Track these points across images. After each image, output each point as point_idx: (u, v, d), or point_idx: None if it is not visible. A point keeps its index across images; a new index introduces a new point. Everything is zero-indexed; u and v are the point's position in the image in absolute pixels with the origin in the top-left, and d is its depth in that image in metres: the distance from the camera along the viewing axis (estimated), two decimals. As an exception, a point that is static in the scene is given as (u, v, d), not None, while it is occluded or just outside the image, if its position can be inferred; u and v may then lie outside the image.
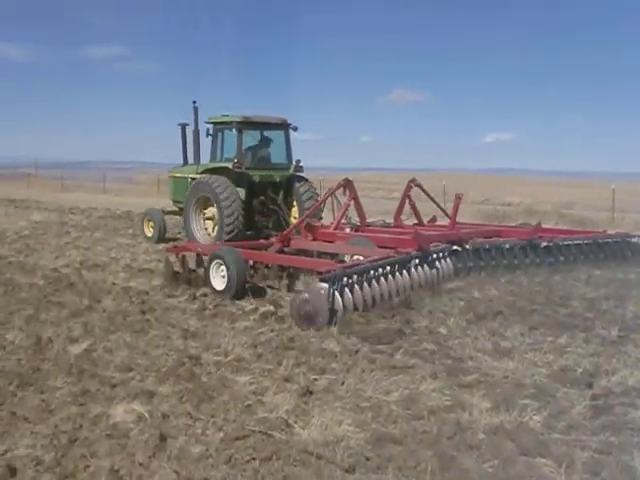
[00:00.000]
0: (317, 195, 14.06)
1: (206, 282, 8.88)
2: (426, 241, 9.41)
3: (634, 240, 12.28)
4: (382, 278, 7.97)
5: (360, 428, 4.30)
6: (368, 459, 3.88)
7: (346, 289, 7.20)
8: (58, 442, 4.05)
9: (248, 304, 8.12)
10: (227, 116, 13.58)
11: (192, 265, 9.47)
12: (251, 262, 9.41)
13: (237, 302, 8.21)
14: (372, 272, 7.81)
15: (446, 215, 13.32)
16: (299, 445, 4.01)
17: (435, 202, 13.44)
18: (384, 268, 8.09)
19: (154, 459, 3.84)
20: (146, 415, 4.42)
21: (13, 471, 3.70)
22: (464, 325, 7.13)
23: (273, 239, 10.94)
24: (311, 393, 4.95)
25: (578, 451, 4.01)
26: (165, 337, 6.57)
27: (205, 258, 9.21)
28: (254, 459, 3.83)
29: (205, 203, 13.10)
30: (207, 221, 13.29)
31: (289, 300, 7.71)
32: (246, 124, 13.37)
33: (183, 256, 9.65)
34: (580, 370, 5.61)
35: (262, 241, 11.33)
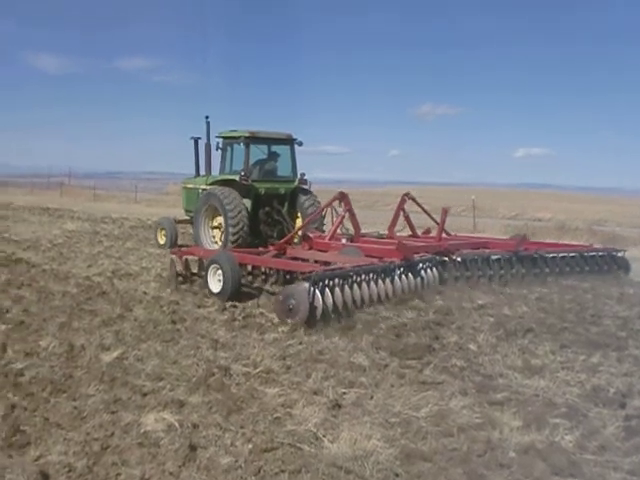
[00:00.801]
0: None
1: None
2: (409, 251, 10.04)
3: (619, 254, 12.65)
4: (364, 283, 8.51)
5: (389, 443, 4.28)
6: (397, 475, 3.87)
7: (326, 289, 7.82)
8: (90, 449, 4.11)
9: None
10: (235, 131, 14.20)
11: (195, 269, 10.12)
12: (250, 268, 10.12)
13: (266, 314, 8.24)
14: (353, 276, 8.37)
15: (444, 230, 13.28)
16: (328, 459, 4.02)
17: (429, 215, 13.76)
18: (367, 274, 8.64)
19: (184, 469, 3.88)
20: (176, 424, 4.46)
21: (46, 477, 3.76)
22: (494, 342, 7.08)
23: (270, 247, 11.45)
24: (340, 407, 4.96)
25: (610, 472, 3.96)
26: (195, 347, 6.62)
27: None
28: (283, 471, 3.84)
29: (213, 213, 13.69)
30: (215, 230, 13.85)
31: (274, 296, 8.43)
32: (253, 139, 13.94)
33: (186, 259, 10.31)
34: (613, 390, 5.53)
35: (261, 249, 11.72)
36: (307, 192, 14.58)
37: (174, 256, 10.70)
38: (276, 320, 7.88)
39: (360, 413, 4.84)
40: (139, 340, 6.80)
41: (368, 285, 8.57)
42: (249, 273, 10.23)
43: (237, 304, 8.79)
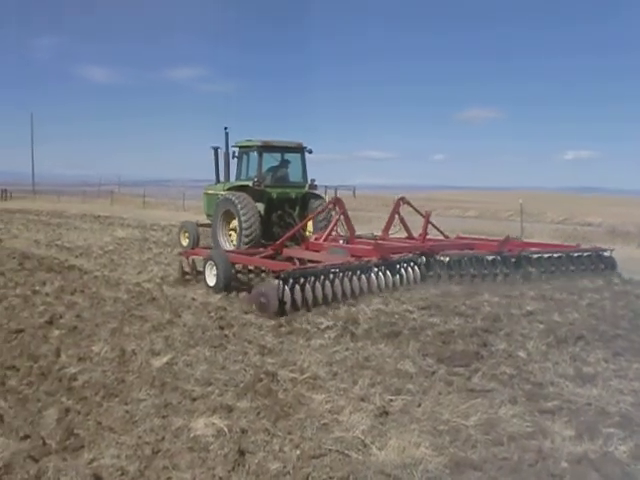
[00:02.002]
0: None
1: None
2: (386, 251, 11.05)
3: (606, 254, 12.87)
4: (336, 279, 9.35)
5: (438, 452, 4.25)
6: (446, 484, 3.83)
7: (296, 285, 8.70)
8: (142, 453, 4.19)
9: (325, 320, 8.16)
10: (250, 141, 15.09)
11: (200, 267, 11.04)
12: (251, 267, 11.09)
13: (312, 319, 8.27)
14: (323, 274, 9.20)
15: (438, 231, 14.31)
16: (376, 466, 4.01)
17: (431, 223, 13.84)
18: (343, 271, 9.53)
19: (233, 474, 3.93)
20: (225, 429, 4.51)
21: (99, 480, 3.85)
22: (544, 349, 6.94)
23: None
24: (387, 414, 4.94)
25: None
26: (242, 353, 6.69)
27: None
28: (331, 478, 3.85)
29: (229, 216, 14.55)
30: (231, 232, 14.73)
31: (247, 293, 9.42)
32: (265, 148, 14.82)
33: (193, 259, 11.50)
34: (668, 399, 5.36)
35: (261, 249, 12.62)
36: (317, 196, 15.47)
37: (182, 257, 11.94)
38: (322, 326, 7.90)
39: (408, 420, 4.81)
40: (188, 345, 6.91)
41: (342, 281, 9.41)
42: (249, 271, 11.15)
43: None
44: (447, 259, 11.49)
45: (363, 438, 4.44)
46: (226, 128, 16.09)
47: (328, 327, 7.85)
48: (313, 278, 9.04)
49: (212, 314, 8.54)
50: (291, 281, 8.71)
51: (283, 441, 4.39)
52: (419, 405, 5.15)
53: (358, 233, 13.88)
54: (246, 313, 8.69)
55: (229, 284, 10.34)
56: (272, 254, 11.86)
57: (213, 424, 4.62)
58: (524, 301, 9.63)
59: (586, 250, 12.99)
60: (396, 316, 8.47)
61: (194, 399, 5.22)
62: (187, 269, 11.46)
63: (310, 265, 9.99)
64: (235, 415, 4.87)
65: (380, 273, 10.27)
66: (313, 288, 8.94)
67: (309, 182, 15.39)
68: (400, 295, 9.90)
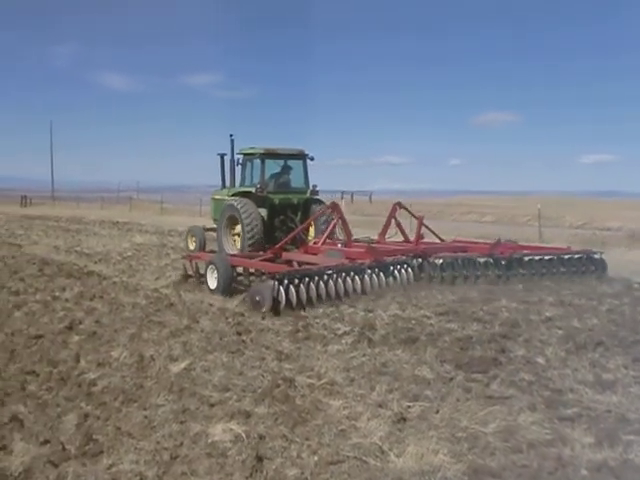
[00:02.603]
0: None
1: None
2: (379, 254, 11.52)
3: (596, 256, 13.00)
4: (330, 280, 9.80)
5: (456, 459, 4.22)
6: (465, 491, 3.81)
7: (290, 286, 9.15)
8: (160, 458, 4.22)
9: (342, 326, 8.16)
10: (253, 148, 15.54)
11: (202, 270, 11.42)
12: (252, 270, 11.34)
13: (329, 325, 8.27)
14: (317, 275, 9.72)
15: (435, 235, 14.66)
16: (394, 473, 3.99)
17: (425, 225, 14.21)
18: (337, 273, 10.00)
19: None
20: (243, 435, 4.53)
21: (118, 486, 3.88)
22: (563, 355, 6.87)
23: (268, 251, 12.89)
24: (405, 420, 4.92)
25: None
26: (260, 358, 6.70)
27: None
28: (349, 485, 3.84)
29: (233, 221, 14.94)
30: (235, 236, 15.07)
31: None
32: (268, 155, 15.30)
33: (196, 263, 11.83)
34: (690, 406, 5.28)
35: (261, 252, 13.05)
36: (319, 202, 15.75)
37: (185, 260, 12.30)
38: (340, 332, 7.90)
39: (426, 427, 4.79)
40: (206, 351, 6.94)
41: (335, 282, 9.85)
42: (251, 274, 11.42)
43: (303, 313, 8.86)
44: (440, 261, 11.81)
45: (381, 445, 4.43)
46: (231, 135, 16.59)
47: (345, 333, 7.84)
48: (307, 279, 9.52)
49: (229, 320, 8.57)
50: (285, 282, 9.19)
51: (301, 447, 4.39)
52: (437, 412, 5.12)
53: (365, 237, 14.35)
54: (263, 319, 8.71)
55: (229, 286, 10.67)
56: (272, 257, 12.23)
57: (231, 430, 4.63)
58: (542, 307, 9.55)
59: (577, 252, 13.25)
60: (413, 322, 8.45)
61: (212, 405, 5.23)
62: (190, 272, 11.86)
63: (305, 267, 10.57)
64: (253, 421, 4.87)
65: (373, 275, 10.63)
66: (307, 288, 9.43)
67: (311, 188, 15.80)
68: (417, 301, 9.87)
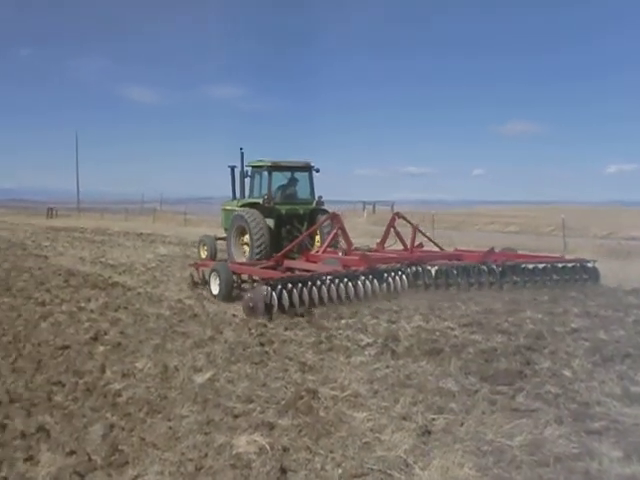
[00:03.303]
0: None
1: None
2: (373, 261, 11.96)
3: (589, 265, 13.29)
4: (323, 286, 10.28)
5: (482, 472, 4.18)
6: (491, 505, 3.76)
7: (283, 291, 9.60)
8: (185, 470, 4.23)
9: (365, 337, 8.14)
10: (261, 161, 16.15)
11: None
12: (256, 277, 11.56)
13: (352, 336, 8.25)
14: (310, 281, 10.20)
15: (434, 243, 15.49)
16: (419, 486, 3.96)
17: (421, 232, 14.98)
18: (332, 279, 10.47)
19: (275, 492, 3.92)
20: (267, 447, 4.52)
21: (144, 496, 3.89)
22: (590, 368, 6.77)
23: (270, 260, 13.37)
24: (430, 433, 4.88)
25: None
26: (283, 370, 6.70)
27: None
28: (374, 498, 3.81)
29: (242, 231, 15.50)
30: (244, 245, 15.59)
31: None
32: (275, 167, 15.90)
33: (202, 270, 12.57)
34: None
35: (264, 261, 13.51)
36: (324, 212, 16.06)
37: (193, 268, 13.10)
38: (363, 343, 7.88)
39: (451, 440, 4.74)
40: (229, 362, 6.96)
41: (328, 288, 10.32)
42: (254, 281, 11.60)
43: (325, 324, 8.84)
44: (435, 269, 12.21)
45: (405, 458, 4.39)
46: (241, 149, 17.12)
47: (368, 344, 7.82)
48: (300, 285, 9.98)
49: (252, 331, 8.60)
50: (279, 287, 9.64)
51: (325, 460, 4.38)
52: (462, 424, 5.08)
53: (365, 246, 15.40)
54: (286, 329, 8.72)
55: (230, 292, 11.29)
56: (273, 265, 12.64)
57: (255, 441, 4.63)
58: (568, 318, 9.45)
59: (570, 261, 13.62)
60: (437, 333, 8.40)
61: (236, 416, 5.24)
62: (197, 279, 12.61)
63: (298, 273, 11.18)
64: (277, 432, 4.87)
65: (367, 281, 11.01)
66: (300, 293, 9.88)
67: (317, 199, 16.36)
68: (441, 312, 9.82)
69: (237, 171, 17.40)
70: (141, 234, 31.26)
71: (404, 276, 11.72)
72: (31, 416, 5.28)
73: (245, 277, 12.01)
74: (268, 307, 9.42)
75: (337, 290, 10.45)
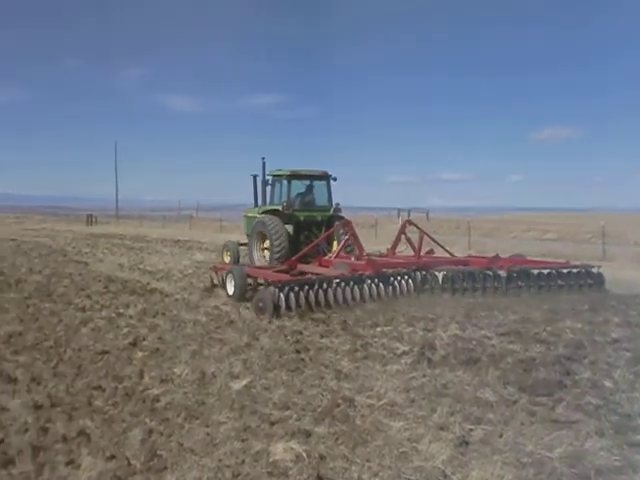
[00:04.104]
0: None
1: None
2: (379, 266, 12.75)
3: (594, 270, 13.48)
4: (329, 289, 10.95)
5: (522, 484, 4.12)
6: (531, 519, 3.70)
7: (290, 293, 10.36)
8: (222, 476, 4.26)
9: (401, 345, 8.10)
10: (280, 170, 16.89)
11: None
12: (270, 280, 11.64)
13: (388, 344, 8.21)
14: (318, 283, 10.91)
15: (444, 249, 15.68)
16: (457, 498, 3.92)
17: (431, 238, 15.55)
18: (339, 283, 11.17)
19: (312, 500, 3.92)
20: (304, 455, 4.53)
21: (181, 502, 3.93)
22: (632, 378, 6.63)
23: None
24: (468, 444, 4.83)
25: None
26: (319, 377, 6.71)
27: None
28: (411, 509, 3.79)
29: (263, 237, 16.21)
30: (265, 250, 16.30)
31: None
32: (293, 176, 16.61)
33: (221, 273, 13.22)
34: None
35: (278, 265, 14.16)
36: (341, 219, 16.43)
37: (212, 271, 13.85)
38: (399, 351, 7.84)
39: (489, 451, 4.69)
40: (266, 369, 6.99)
41: (334, 291, 10.98)
42: (269, 283, 11.56)
43: (360, 332, 8.82)
44: (442, 274, 12.62)
45: (443, 468, 4.36)
46: (263, 158, 17.73)
47: (404, 352, 7.78)
48: (306, 287, 10.68)
49: (288, 337, 8.63)
50: (286, 289, 10.38)
51: (362, 468, 4.37)
52: (501, 435, 5.01)
53: (376, 251, 16.07)
54: (321, 337, 8.73)
55: (244, 293, 11.98)
56: (287, 269, 13.24)
57: (292, 449, 4.64)
58: (608, 328, 9.27)
59: (575, 267, 13.75)
60: (474, 342, 8.31)
61: (272, 423, 5.27)
62: (216, 282, 13.36)
63: (306, 277, 11.83)
64: (313, 440, 4.88)
65: (373, 285, 11.60)
66: (307, 296, 10.57)
67: (334, 206, 17.01)
68: (477, 321, 9.72)
69: (259, 180, 18.05)
70: (178, 241, 31.65)
71: (410, 280, 12.25)
72: (72, 420, 5.38)
73: (261, 280, 12.52)
74: (276, 307, 10.13)
75: (343, 293, 11.08)
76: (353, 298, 11.20)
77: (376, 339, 8.55)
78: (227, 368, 6.97)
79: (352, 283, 11.36)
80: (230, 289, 12.29)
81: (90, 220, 60.36)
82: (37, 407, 5.68)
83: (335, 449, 4.71)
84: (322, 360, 7.45)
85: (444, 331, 8.91)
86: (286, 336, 8.72)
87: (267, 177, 17.62)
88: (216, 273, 13.55)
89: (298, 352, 7.81)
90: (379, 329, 9.15)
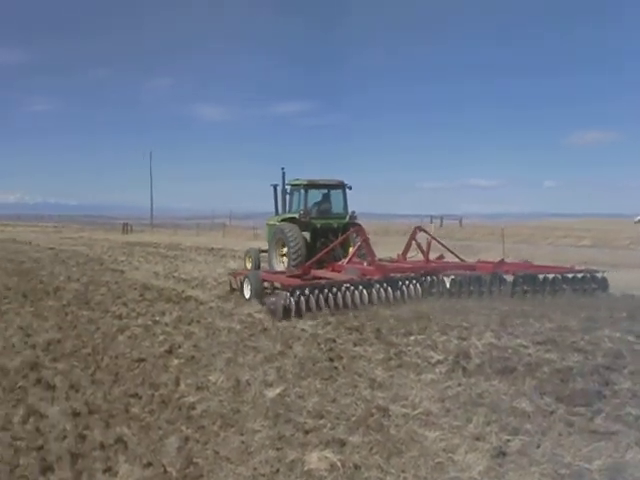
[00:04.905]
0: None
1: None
2: (387, 271, 13.31)
3: (598, 275, 13.94)
4: (339, 293, 11.58)
5: (560, 497, 4.05)
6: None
7: (301, 297, 11.08)
8: (257, 485, 4.27)
9: (435, 354, 8.04)
10: (298, 180, 17.47)
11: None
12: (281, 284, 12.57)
13: (422, 353, 8.16)
14: (327, 288, 11.56)
15: (454, 254, 16.29)
16: (494, 510, 3.87)
17: (441, 243, 16.39)
18: (348, 287, 11.76)
19: (348, 510, 3.91)
20: (339, 464, 4.53)
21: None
22: (674, 389, 6.47)
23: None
24: (504, 455, 4.76)
25: None
26: (353, 386, 6.70)
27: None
28: (447, 520, 3.75)
29: (281, 243, 16.66)
30: (283, 256, 16.69)
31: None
32: (310, 185, 17.22)
33: (239, 278, 13.84)
34: None
35: (292, 269, 14.91)
36: (357, 226, 16.78)
37: (231, 277, 14.66)
38: (433, 360, 7.78)
39: (527, 462, 4.62)
40: (299, 377, 7.01)
41: (344, 295, 11.62)
42: (287, 288, 12.04)
43: (394, 340, 8.78)
44: (451, 278, 13.11)
45: (480, 479, 4.31)
46: (283, 168, 18.43)
47: (439, 361, 7.72)
48: (316, 291, 11.35)
49: (322, 346, 8.64)
50: (297, 293, 11.10)
51: (397, 479, 4.34)
52: (538, 446, 4.93)
53: (387, 257, 16.60)
54: (355, 345, 8.72)
55: (260, 296, 12.58)
56: (301, 274, 13.80)
57: (326, 458, 4.64)
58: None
59: (580, 271, 14.23)
60: (510, 351, 8.21)
61: (307, 432, 5.27)
62: (234, 286, 14.12)
63: (317, 281, 12.35)
64: (348, 450, 4.87)
65: (381, 289, 12.17)
66: (317, 299, 11.24)
67: (349, 213, 17.51)
68: (513, 329, 9.60)
69: (279, 189, 18.61)
70: (212, 249, 31.93)
71: (417, 284, 12.80)
72: (109, 427, 5.45)
73: (277, 284, 13.17)
74: (286, 310, 10.83)
75: (352, 296, 11.70)
76: (362, 301, 11.76)
77: (410, 347, 8.51)
78: (261, 376, 7.01)
79: (361, 287, 11.94)
80: (247, 292, 13.06)
81: (126, 229, 61.32)
82: (75, 414, 5.77)
83: (370, 459, 4.69)
84: (356, 369, 7.44)
85: (479, 339, 8.82)
86: (319, 344, 8.73)
87: (286, 186, 18.25)
88: (235, 278, 14.27)
89: (331, 360, 7.81)
90: (413, 337, 9.10)
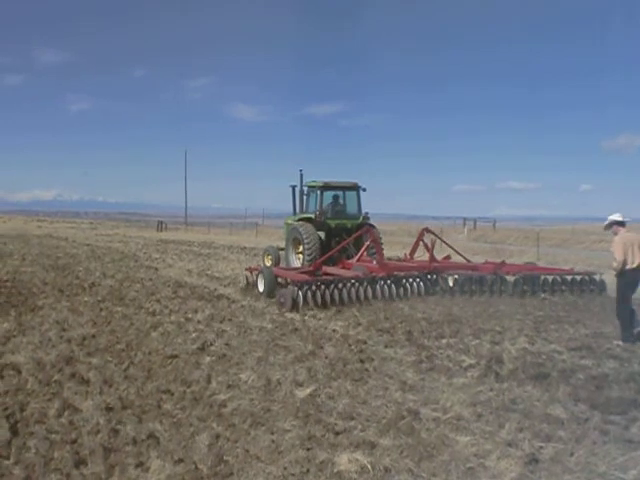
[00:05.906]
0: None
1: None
2: (391, 269, 14.12)
3: (596, 277, 14.71)
4: (344, 289, 12.47)
5: (594, 507, 3.97)
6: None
7: (308, 291, 11.99)
8: (288, 484, 4.28)
9: (467, 358, 7.97)
10: (314, 181, 18.31)
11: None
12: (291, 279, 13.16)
13: (453, 357, 8.10)
14: (334, 283, 12.49)
15: (460, 255, 17.32)
16: (526, 517, 3.81)
17: (447, 244, 18.06)
18: (353, 283, 12.74)
19: (377, 512, 3.89)
20: (369, 466, 4.51)
21: (248, 508, 3.97)
22: None
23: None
24: (537, 462, 4.70)
25: None
26: (383, 388, 6.67)
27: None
28: (478, 526, 3.71)
29: (297, 242, 17.55)
30: (299, 254, 17.54)
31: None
32: (326, 187, 18.06)
33: (255, 274, 14.52)
34: None
35: (305, 266, 15.70)
36: (370, 226, 17.50)
37: (246, 272, 15.21)
38: (465, 364, 7.71)
39: (560, 470, 4.55)
40: (330, 378, 7.00)
41: (349, 290, 12.52)
42: (299, 284, 12.63)
43: (425, 343, 8.72)
44: (454, 277, 14.08)
45: (512, 486, 4.25)
46: (301, 170, 19.06)
47: (470, 365, 7.65)
48: (323, 286, 12.28)
49: (352, 347, 8.62)
50: (305, 288, 12.00)
51: (427, 483, 4.31)
52: (572, 454, 4.85)
53: (395, 256, 17.91)
54: (386, 347, 8.69)
55: (272, 291, 13.29)
56: (312, 271, 14.45)
57: (356, 460, 4.63)
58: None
59: (579, 273, 15.07)
60: (543, 356, 8.10)
61: (337, 433, 5.26)
62: (250, 281, 14.76)
63: (324, 277, 13.32)
64: (378, 452, 4.84)
65: (385, 286, 13.12)
66: (323, 294, 12.14)
67: (363, 214, 18.29)
68: (547, 334, 9.46)
69: (297, 190, 19.29)
70: (244, 248, 32.11)
71: (421, 282, 13.70)
72: (142, 423, 5.51)
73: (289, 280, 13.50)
74: (294, 303, 11.72)
75: (357, 292, 12.62)
76: (366, 297, 12.69)
77: (441, 351, 8.45)
78: (292, 376, 7.02)
79: (365, 283, 12.90)
80: (261, 287, 13.80)
81: (160, 227, 62.01)
82: (108, 409, 5.85)
83: (400, 462, 4.67)
84: (386, 371, 7.41)
85: (512, 344, 8.72)
86: (350, 345, 8.72)
87: (303, 187, 18.95)
88: (250, 273, 14.88)
89: (362, 362, 7.79)
90: (444, 341, 9.04)
